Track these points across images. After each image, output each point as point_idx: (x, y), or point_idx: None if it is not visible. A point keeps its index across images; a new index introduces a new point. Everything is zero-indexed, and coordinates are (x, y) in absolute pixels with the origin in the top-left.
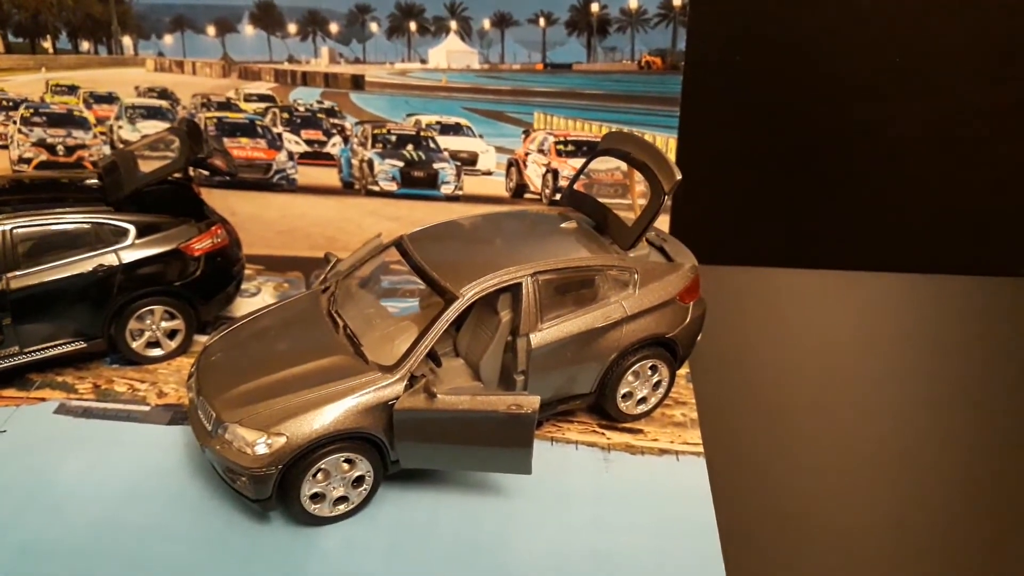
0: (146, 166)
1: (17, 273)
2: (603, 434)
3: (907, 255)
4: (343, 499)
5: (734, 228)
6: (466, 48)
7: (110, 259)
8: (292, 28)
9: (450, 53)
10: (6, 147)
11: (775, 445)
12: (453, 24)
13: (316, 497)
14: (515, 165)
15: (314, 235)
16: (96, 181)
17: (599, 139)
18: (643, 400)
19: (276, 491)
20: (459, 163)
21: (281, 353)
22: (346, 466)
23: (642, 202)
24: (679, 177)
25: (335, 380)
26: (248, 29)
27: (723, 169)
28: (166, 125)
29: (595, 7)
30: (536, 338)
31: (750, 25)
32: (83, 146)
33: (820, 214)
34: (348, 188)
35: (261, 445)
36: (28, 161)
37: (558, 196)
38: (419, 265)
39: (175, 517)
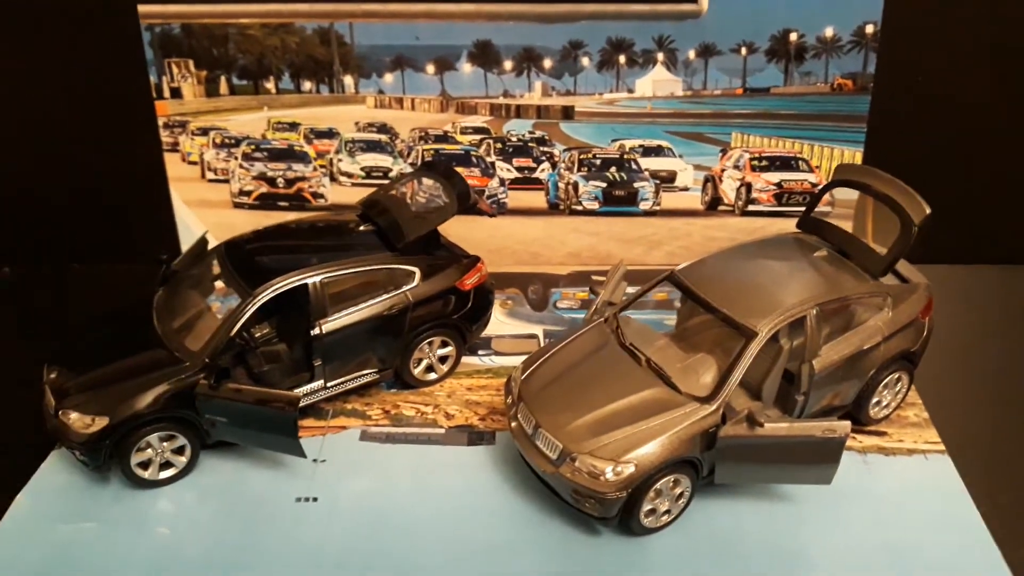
0: (396, 203)
1: (328, 319)
2: (854, 438)
3: None
4: (667, 512)
5: None
6: (671, 77)
7: (403, 299)
8: (508, 65)
9: (656, 82)
10: (227, 181)
11: (1009, 437)
12: (660, 56)
13: (650, 512)
14: (711, 181)
15: (519, 252)
16: (362, 222)
17: (790, 154)
18: (886, 405)
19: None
20: (658, 181)
21: (600, 387)
22: (673, 485)
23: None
24: (929, 211)
25: (663, 412)
26: (466, 67)
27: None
28: (385, 157)
29: (793, 36)
30: (817, 364)
31: (936, 48)
32: (303, 178)
33: (1005, 211)
34: (553, 209)
35: (610, 473)
36: (248, 194)
37: (749, 207)
38: (703, 300)
39: (517, 533)
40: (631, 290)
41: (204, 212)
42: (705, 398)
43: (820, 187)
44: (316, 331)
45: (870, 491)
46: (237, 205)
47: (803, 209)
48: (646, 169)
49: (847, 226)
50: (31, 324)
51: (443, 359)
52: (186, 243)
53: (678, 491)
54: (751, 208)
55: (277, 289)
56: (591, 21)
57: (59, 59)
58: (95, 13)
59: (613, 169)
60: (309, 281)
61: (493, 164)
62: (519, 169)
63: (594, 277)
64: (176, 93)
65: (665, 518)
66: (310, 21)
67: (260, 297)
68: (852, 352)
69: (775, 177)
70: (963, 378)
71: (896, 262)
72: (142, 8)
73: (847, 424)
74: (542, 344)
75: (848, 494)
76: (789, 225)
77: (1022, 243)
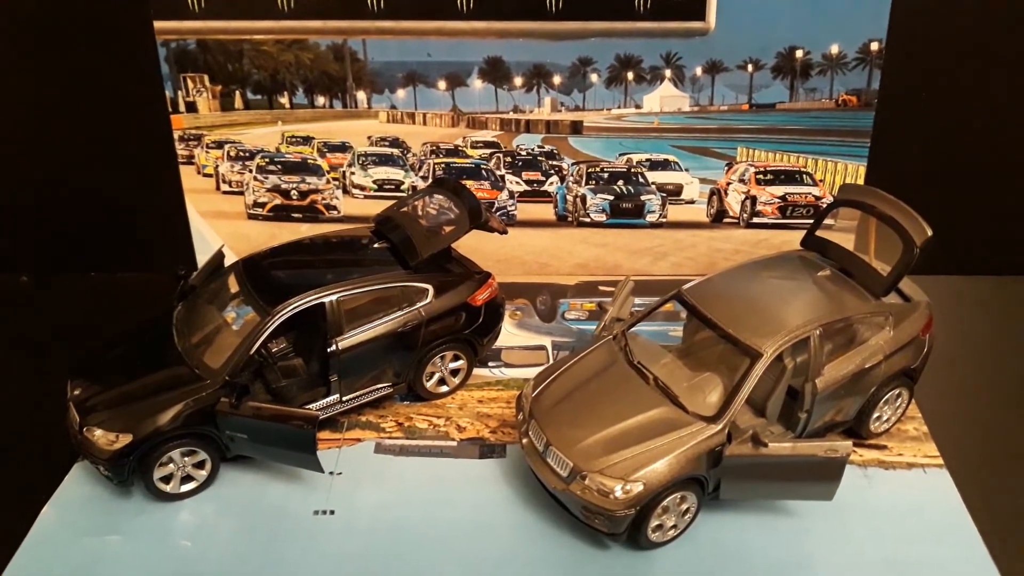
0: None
1: (344, 336)
2: (855, 451)
3: None
4: (674, 527)
5: None
6: (678, 93)
7: (416, 316)
8: (518, 81)
9: (663, 98)
10: (241, 193)
11: (1007, 451)
12: (668, 72)
13: (657, 528)
14: (716, 194)
15: (529, 262)
16: (374, 239)
17: (795, 168)
18: (886, 420)
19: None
20: (665, 194)
21: (609, 405)
22: (680, 501)
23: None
24: (930, 233)
25: (671, 431)
26: (477, 83)
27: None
28: (397, 171)
29: (799, 53)
30: (820, 382)
31: (939, 65)
32: (316, 191)
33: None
34: (562, 220)
35: (620, 491)
36: (262, 205)
37: (754, 219)
38: (709, 320)
39: (527, 547)
40: (639, 302)
41: (219, 223)
42: (711, 417)
43: (824, 206)
44: (332, 348)
45: (870, 505)
46: (251, 216)
47: (807, 222)
48: (653, 182)
49: (850, 241)
50: (50, 332)
51: (455, 372)
52: (201, 253)
53: (684, 507)
54: (756, 220)
55: (295, 308)
56: (600, 38)
57: (78, 73)
58: (113, 29)
59: (620, 182)
60: (326, 300)
61: (503, 177)
62: (528, 182)
63: (601, 288)
64: (191, 107)
65: (672, 533)
66: (324, 38)
67: (279, 316)
68: (854, 370)
69: (779, 190)
70: (962, 390)
71: (898, 282)
72: (158, 24)
73: (849, 444)
74: (551, 356)
75: (849, 508)
76: (793, 237)
77: (1022, 255)
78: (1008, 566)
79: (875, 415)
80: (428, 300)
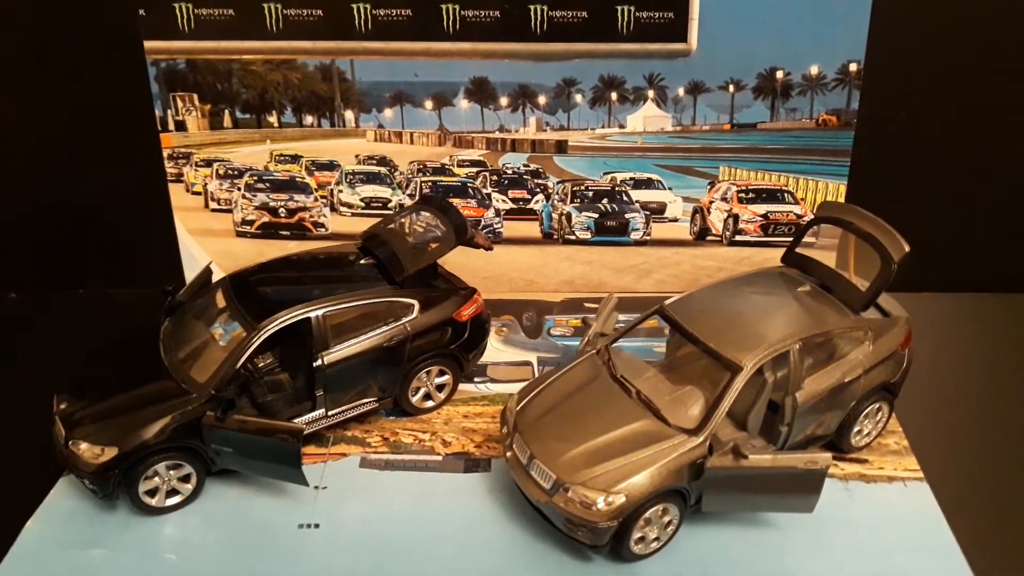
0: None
1: (330, 351)
2: (836, 465)
3: None
4: (656, 539)
5: None
6: (661, 113)
7: (402, 331)
8: (504, 101)
9: (646, 118)
10: (230, 211)
11: (987, 464)
12: (650, 93)
13: (639, 540)
14: (700, 212)
15: (515, 279)
16: (361, 255)
17: (776, 187)
18: (867, 434)
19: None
20: (648, 212)
21: (592, 418)
22: (662, 514)
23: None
24: (908, 249)
25: (652, 444)
26: (463, 103)
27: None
28: (384, 189)
29: (780, 74)
30: (800, 396)
31: (916, 85)
32: (304, 208)
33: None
34: (547, 238)
35: (602, 503)
36: (251, 223)
37: (737, 237)
38: (691, 334)
39: (511, 561)
40: (623, 318)
41: (207, 240)
42: (693, 430)
43: (804, 223)
44: (318, 362)
45: (851, 518)
46: (240, 234)
47: (789, 240)
48: (637, 201)
49: (830, 258)
50: (37, 349)
51: (440, 387)
52: (189, 270)
53: (667, 519)
54: (738, 238)
55: (281, 323)
56: (584, 60)
57: (68, 92)
58: (104, 49)
59: (605, 201)
60: (312, 315)
61: (489, 195)
62: (514, 200)
63: (587, 304)
64: (181, 126)
65: (654, 545)
66: (312, 58)
67: (265, 331)
68: (834, 384)
69: (761, 209)
70: (942, 405)
71: (876, 298)
72: (149, 44)
73: (828, 456)
74: (536, 371)
75: (829, 521)
76: (775, 255)
77: (999, 272)
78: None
79: (856, 429)
80: (414, 315)
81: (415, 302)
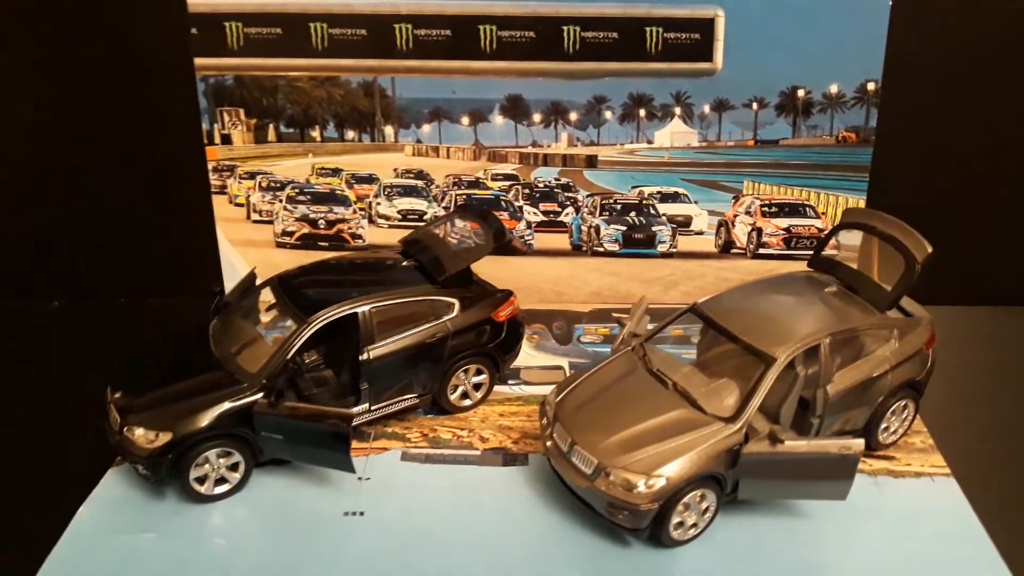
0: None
1: (375, 345)
2: (865, 462)
3: None
4: (694, 525)
5: None
6: (687, 129)
7: (443, 328)
8: (537, 117)
9: (673, 134)
10: (271, 222)
11: (1013, 465)
12: (677, 110)
13: (678, 525)
14: (724, 225)
15: (544, 290)
16: (402, 259)
17: (798, 201)
18: (894, 431)
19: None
20: (675, 225)
21: (631, 408)
22: (700, 499)
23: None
24: (931, 250)
25: (691, 431)
26: (498, 119)
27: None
28: (421, 201)
29: (801, 93)
30: (831, 388)
31: (931, 104)
32: (343, 220)
33: (1001, 256)
34: (576, 250)
35: (643, 485)
36: (291, 234)
37: (760, 250)
38: (725, 329)
39: (552, 547)
40: (651, 326)
41: (248, 251)
42: (729, 418)
43: (829, 229)
44: (364, 356)
45: (882, 510)
46: (280, 245)
47: (810, 253)
48: (663, 214)
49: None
50: (80, 355)
51: (477, 386)
52: (229, 280)
53: (704, 505)
54: (762, 251)
55: (331, 316)
56: (614, 78)
57: (121, 106)
58: (155, 65)
59: (633, 214)
60: (359, 310)
61: (521, 208)
62: (545, 213)
63: (614, 315)
64: (226, 139)
65: (692, 532)
66: (355, 75)
67: (315, 323)
68: (862, 379)
69: (784, 223)
70: (965, 411)
71: (901, 297)
72: (198, 61)
73: (861, 441)
74: (568, 374)
75: (861, 512)
76: (797, 268)
77: (1015, 286)
78: (1017, 564)
79: (883, 426)
80: (454, 314)
81: (455, 301)
